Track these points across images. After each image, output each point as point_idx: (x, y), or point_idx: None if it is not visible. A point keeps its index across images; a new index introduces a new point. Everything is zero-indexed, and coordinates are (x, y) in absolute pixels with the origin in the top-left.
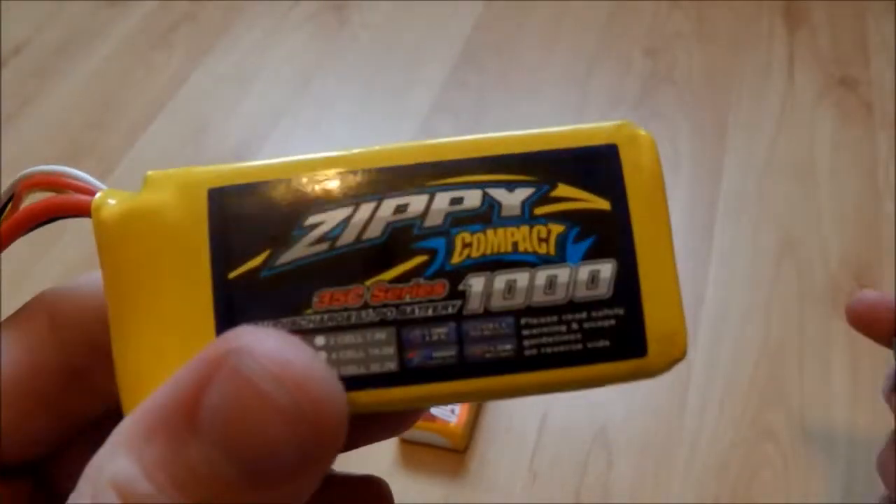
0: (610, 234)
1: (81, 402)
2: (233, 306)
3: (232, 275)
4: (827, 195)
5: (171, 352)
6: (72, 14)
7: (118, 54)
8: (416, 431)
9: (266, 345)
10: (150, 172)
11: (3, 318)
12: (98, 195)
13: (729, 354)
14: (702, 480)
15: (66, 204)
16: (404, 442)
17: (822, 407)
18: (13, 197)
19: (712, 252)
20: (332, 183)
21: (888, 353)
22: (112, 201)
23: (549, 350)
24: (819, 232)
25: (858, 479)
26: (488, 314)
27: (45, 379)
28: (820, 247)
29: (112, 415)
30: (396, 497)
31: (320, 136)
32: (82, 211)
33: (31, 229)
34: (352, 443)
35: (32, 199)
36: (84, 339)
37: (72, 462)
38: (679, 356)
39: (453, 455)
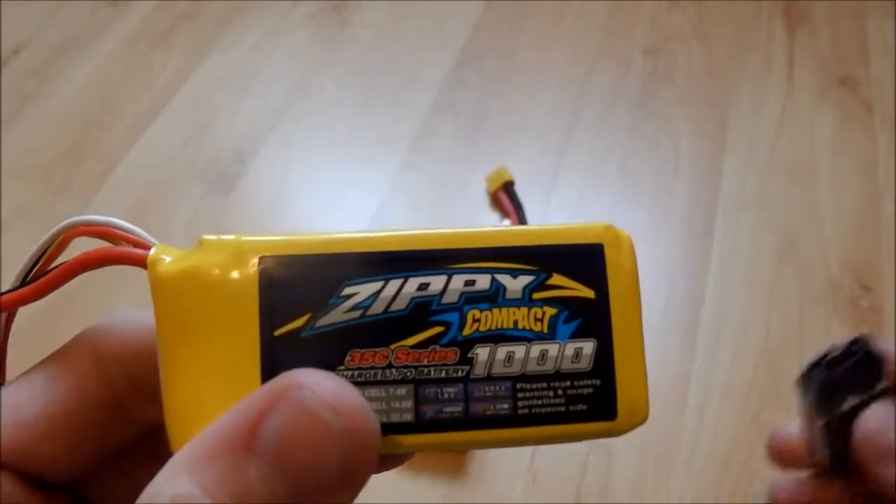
0: (593, 319)
1: (120, 430)
2: (277, 359)
3: (277, 332)
4: (827, 195)
5: (218, 396)
6: (72, 14)
7: (118, 54)
8: None
9: (323, 382)
10: (204, 237)
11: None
12: (153, 250)
13: (729, 354)
14: (702, 480)
15: (124, 255)
16: None
17: None
18: (57, 241)
19: (712, 252)
20: (366, 260)
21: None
22: (167, 258)
23: (538, 410)
24: (819, 232)
25: None
26: (491, 378)
27: (90, 411)
28: (820, 247)
29: (145, 438)
30: (396, 497)
31: (320, 136)
32: (138, 263)
33: (86, 271)
34: None
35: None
36: (125, 375)
37: (106, 479)
38: (641, 421)
39: (453, 455)
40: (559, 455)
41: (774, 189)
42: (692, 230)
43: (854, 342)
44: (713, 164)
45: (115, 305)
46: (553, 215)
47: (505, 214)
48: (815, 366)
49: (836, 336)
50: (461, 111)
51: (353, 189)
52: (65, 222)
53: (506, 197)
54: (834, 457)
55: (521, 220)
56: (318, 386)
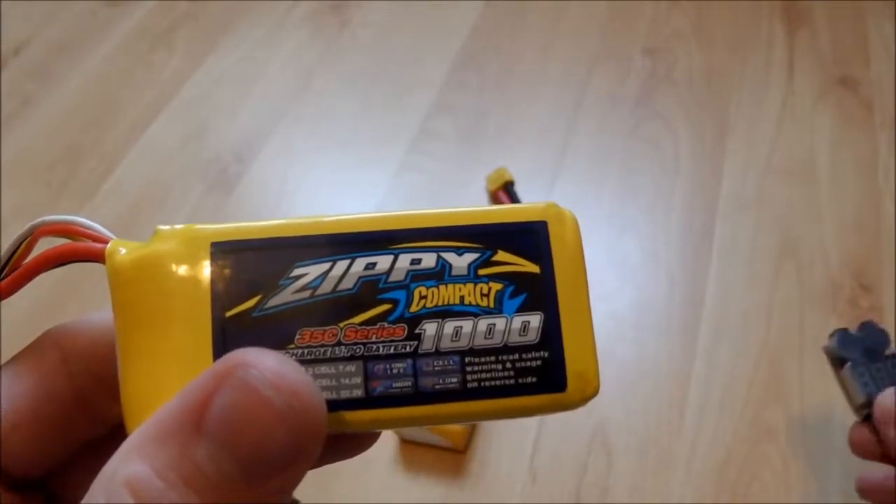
0: (539, 293)
1: (86, 425)
2: (228, 340)
3: (228, 314)
4: (827, 196)
5: (172, 379)
6: (72, 14)
7: (118, 54)
8: (417, 431)
9: (267, 361)
10: (159, 227)
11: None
12: (110, 244)
13: (729, 354)
14: (702, 480)
15: (84, 250)
16: (404, 442)
17: (822, 407)
18: (27, 239)
19: (713, 252)
20: (315, 243)
21: None
22: (123, 250)
23: (487, 384)
24: (819, 232)
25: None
26: (439, 353)
27: (56, 406)
28: (820, 247)
29: (112, 436)
30: (396, 497)
31: (320, 136)
32: (97, 257)
33: (49, 269)
34: (318, 461)
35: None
36: (90, 371)
37: (75, 477)
38: (592, 393)
39: (453, 455)
40: (559, 455)
41: (774, 189)
42: (692, 230)
43: (865, 322)
44: (713, 164)
45: None
46: None
47: None
48: (839, 331)
49: None
50: (461, 111)
51: (353, 189)
52: (32, 223)
53: (506, 197)
54: (868, 397)
55: None
56: (261, 364)
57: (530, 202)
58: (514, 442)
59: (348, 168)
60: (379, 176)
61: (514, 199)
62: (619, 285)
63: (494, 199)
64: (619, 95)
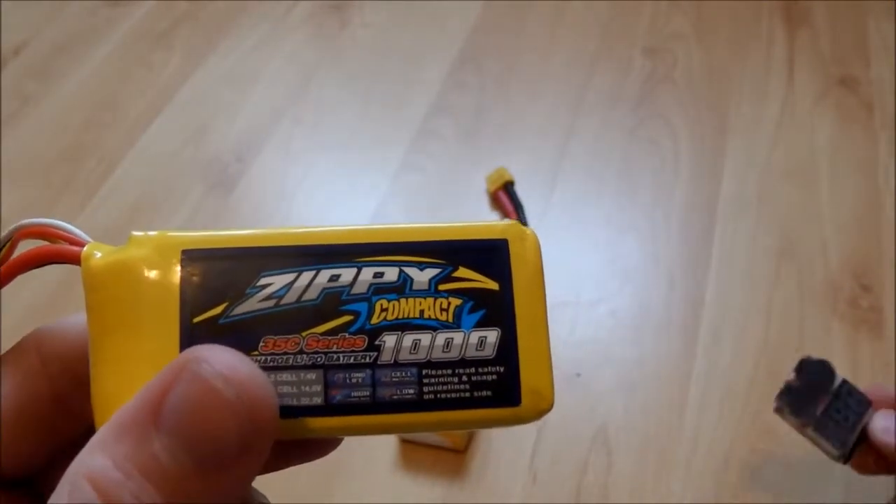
0: (497, 309)
1: (66, 424)
2: (195, 344)
3: (196, 320)
4: (827, 196)
5: (141, 379)
6: (72, 14)
7: (118, 54)
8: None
9: (219, 355)
10: (133, 233)
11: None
12: (86, 247)
13: (729, 354)
14: (702, 480)
15: (60, 252)
16: (404, 442)
17: None
18: (9, 242)
19: (713, 252)
20: (282, 253)
21: (888, 352)
22: (98, 254)
23: (443, 396)
24: (819, 232)
25: (858, 479)
26: (397, 365)
27: (37, 406)
28: (820, 247)
29: (92, 434)
30: (396, 497)
31: (320, 136)
32: (73, 259)
33: (27, 270)
34: (278, 464)
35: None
36: (68, 371)
37: (59, 476)
38: (546, 408)
39: (453, 455)
40: (559, 455)
41: (774, 189)
42: (692, 230)
43: (800, 362)
44: (713, 165)
45: None
46: (553, 215)
47: (505, 214)
48: (782, 394)
49: (835, 336)
50: (461, 111)
51: (353, 189)
52: (13, 225)
53: (506, 197)
54: (842, 445)
55: (522, 219)
56: (213, 358)
57: (492, 221)
58: (514, 442)
59: (348, 168)
60: (379, 176)
61: (514, 199)
62: (619, 285)
63: (494, 199)
64: (619, 95)
